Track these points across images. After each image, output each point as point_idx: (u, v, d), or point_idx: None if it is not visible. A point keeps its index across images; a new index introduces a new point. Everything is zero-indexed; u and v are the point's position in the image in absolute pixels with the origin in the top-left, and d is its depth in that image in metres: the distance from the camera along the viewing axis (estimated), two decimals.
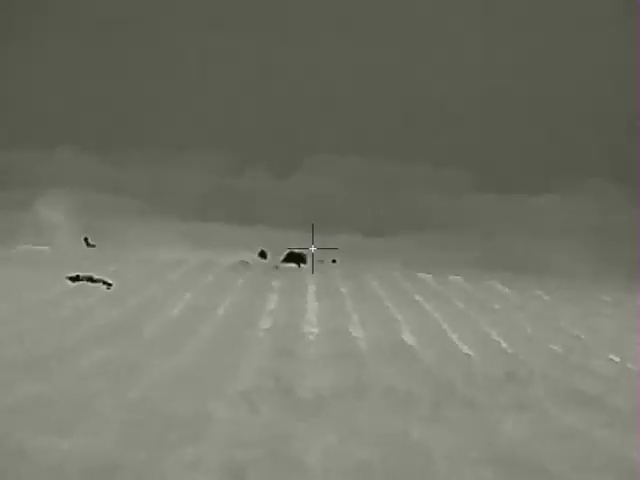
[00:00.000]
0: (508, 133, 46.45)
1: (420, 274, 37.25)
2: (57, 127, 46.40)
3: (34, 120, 46.65)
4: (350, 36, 48.03)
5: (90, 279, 29.04)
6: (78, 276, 29.16)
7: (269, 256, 40.11)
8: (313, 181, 48.17)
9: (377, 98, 47.62)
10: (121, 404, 12.97)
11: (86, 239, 40.33)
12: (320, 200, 46.94)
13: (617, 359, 21.35)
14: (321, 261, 38.60)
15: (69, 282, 28.77)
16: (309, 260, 38.07)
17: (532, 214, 46.63)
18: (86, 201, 43.55)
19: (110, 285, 28.75)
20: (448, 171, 48.03)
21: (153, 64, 46.99)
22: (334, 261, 39.31)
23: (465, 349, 21.19)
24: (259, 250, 40.28)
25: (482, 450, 11.89)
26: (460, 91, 47.19)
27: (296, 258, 38.19)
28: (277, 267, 36.93)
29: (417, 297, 30.31)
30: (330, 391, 14.94)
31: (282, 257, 38.48)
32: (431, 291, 32.36)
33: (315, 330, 22.54)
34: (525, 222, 45.79)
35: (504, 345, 22.28)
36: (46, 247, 37.77)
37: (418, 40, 47.45)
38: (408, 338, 21.98)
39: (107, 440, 11.27)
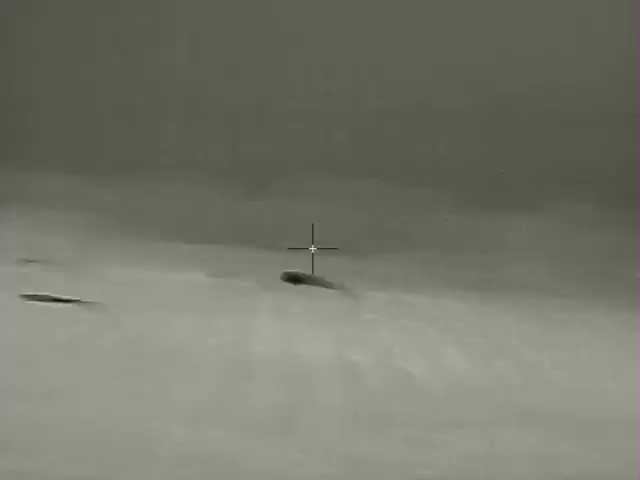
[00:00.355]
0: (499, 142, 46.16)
1: (371, 293, 37.36)
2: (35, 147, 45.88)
3: (10, 136, 46.18)
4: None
5: (53, 298, 28.62)
6: (37, 296, 28.81)
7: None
8: (286, 201, 47.97)
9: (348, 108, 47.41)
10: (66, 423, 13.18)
11: None
12: (294, 220, 46.67)
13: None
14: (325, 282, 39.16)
15: (25, 301, 28.46)
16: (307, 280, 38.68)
17: (507, 232, 46.43)
18: (57, 219, 43.15)
19: (73, 302, 28.54)
20: (423, 189, 47.60)
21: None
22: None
23: (410, 368, 21.49)
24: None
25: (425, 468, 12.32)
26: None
27: (294, 278, 38.61)
28: None
29: (368, 315, 30.58)
30: (279, 409, 15.27)
31: (281, 277, 38.57)
32: (384, 310, 32.58)
33: (264, 349, 22.82)
34: (498, 239, 45.63)
35: (452, 363, 22.60)
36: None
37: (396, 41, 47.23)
38: (356, 357, 22.25)
39: (51, 458, 11.52)
